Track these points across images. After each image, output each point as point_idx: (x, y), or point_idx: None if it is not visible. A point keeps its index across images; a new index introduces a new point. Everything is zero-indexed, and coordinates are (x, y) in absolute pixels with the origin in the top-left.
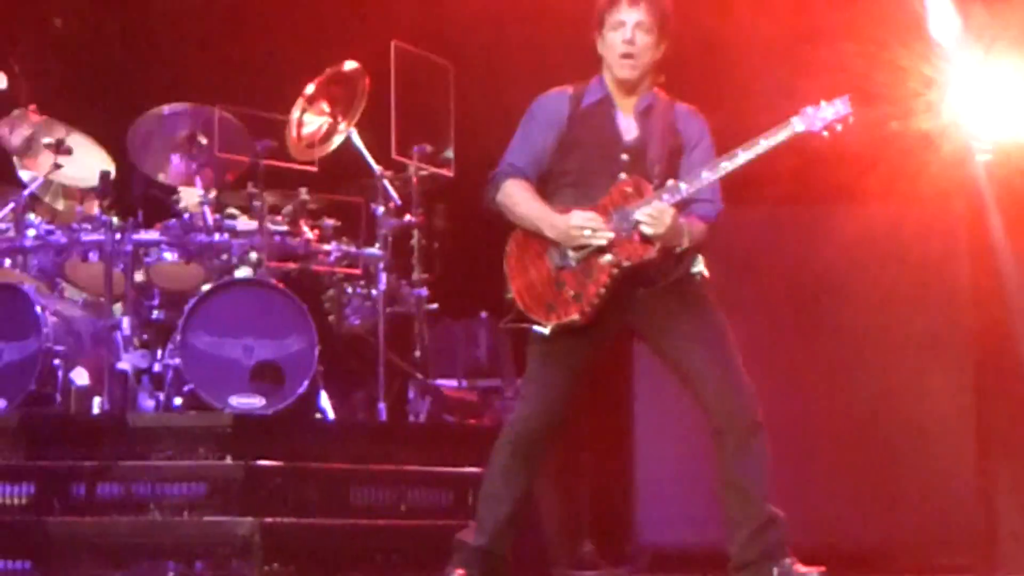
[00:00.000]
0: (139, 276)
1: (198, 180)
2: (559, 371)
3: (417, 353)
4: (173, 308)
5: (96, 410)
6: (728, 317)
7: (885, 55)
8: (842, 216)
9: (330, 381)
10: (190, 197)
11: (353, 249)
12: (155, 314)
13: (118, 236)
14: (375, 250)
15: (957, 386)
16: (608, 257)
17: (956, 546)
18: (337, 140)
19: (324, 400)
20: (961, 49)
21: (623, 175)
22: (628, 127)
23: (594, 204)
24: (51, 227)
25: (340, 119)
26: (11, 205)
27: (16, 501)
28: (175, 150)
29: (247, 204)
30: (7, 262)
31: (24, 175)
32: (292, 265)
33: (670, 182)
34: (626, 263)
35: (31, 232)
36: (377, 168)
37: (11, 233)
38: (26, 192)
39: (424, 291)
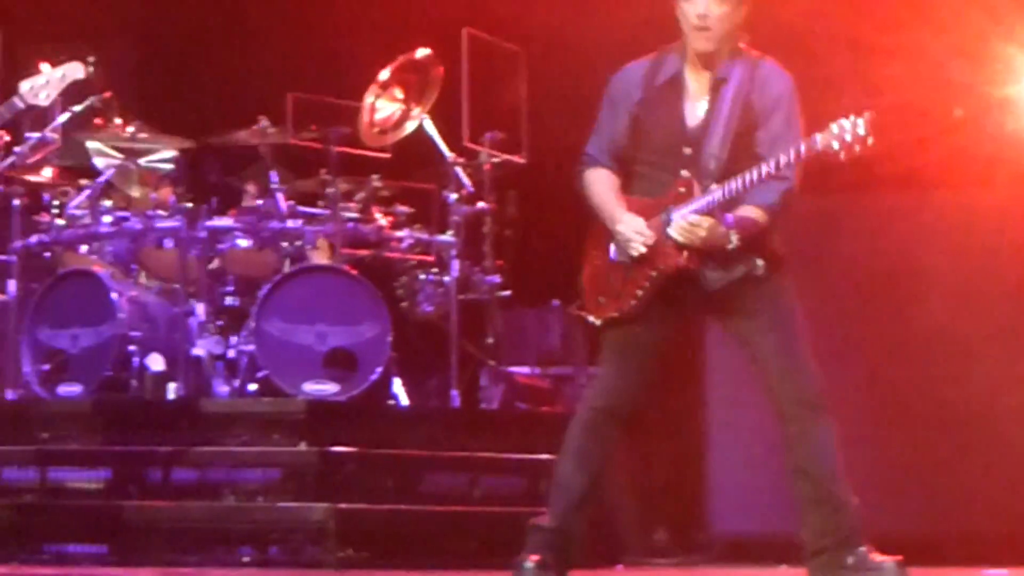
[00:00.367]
0: (213, 263)
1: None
2: (629, 357)
3: (490, 340)
4: (247, 294)
5: (171, 396)
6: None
7: (962, 43)
8: (914, 203)
9: (403, 368)
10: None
11: (425, 236)
12: (229, 300)
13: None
14: (447, 237)
15: None
16: (647, 262)
17: None
18: (410, 127)
19: (397, 387)
20: None
21: (684, 172)
22: (694, 111)
23: (655, 200)
24: (126, 214)
25: (413, 106)
26: (87, 192)
27: (92, 486)
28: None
29: (320, 191)
30: (83, 249)
31: (99, 162)
32: (365, 252)
33: (713, 187)
34: (662, 268)
35: (106, 219)
36: (449, 155)
37: (87, 220)
38: (101, 179)
39: (496, 278)
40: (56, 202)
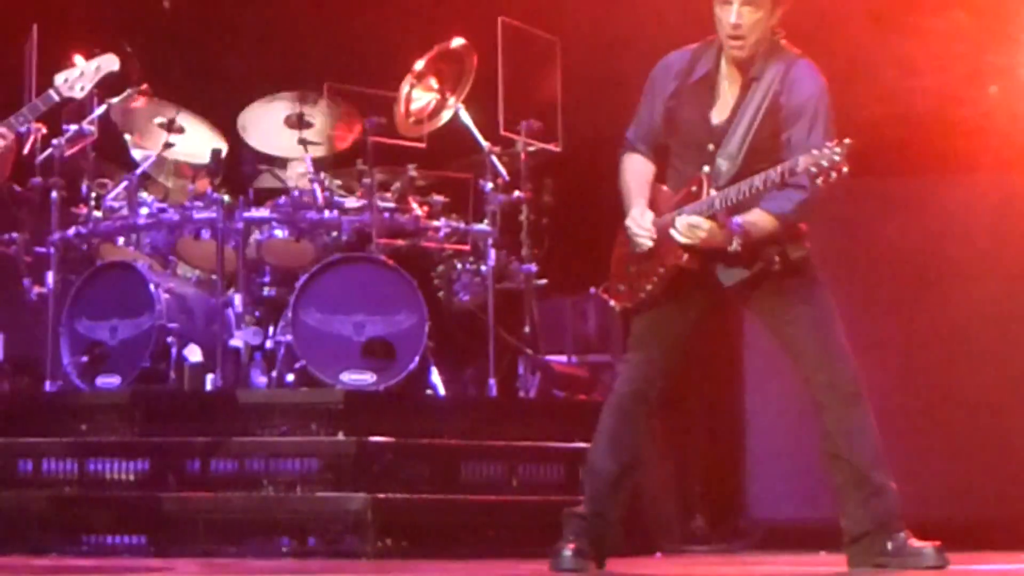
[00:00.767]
0: (250, 253)
1: (308, 158)
2: (654, 342)
3: (527, 329)
4: (284, 285)
5: (209, 387)
6: (834, 290)
7: (998, 25)
8: (952, 187)
9: (440, 357)
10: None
11: (462, 225)
12: (266, 291)
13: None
14: (484, 226)
15: None
16: (655, 257)
17: None
18: (445, 116)
19: (435, 376)
20: None
21: (705, 168)
22: (722, 109)
23: (677, 195)
24: (163, 205)
25: (448, 95)
26: (124, 184)
27: (131, 477)
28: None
29: (356, 181)
30: (120, 240)
31: (136, 154)
32: (401, 242)
33: (713, 192)
34: (667, 266)
35: (144, 210)
36: (485, 144)
37: (124, 211)
38: (138, 171)
39: (533, 267)
40: (94, 194)
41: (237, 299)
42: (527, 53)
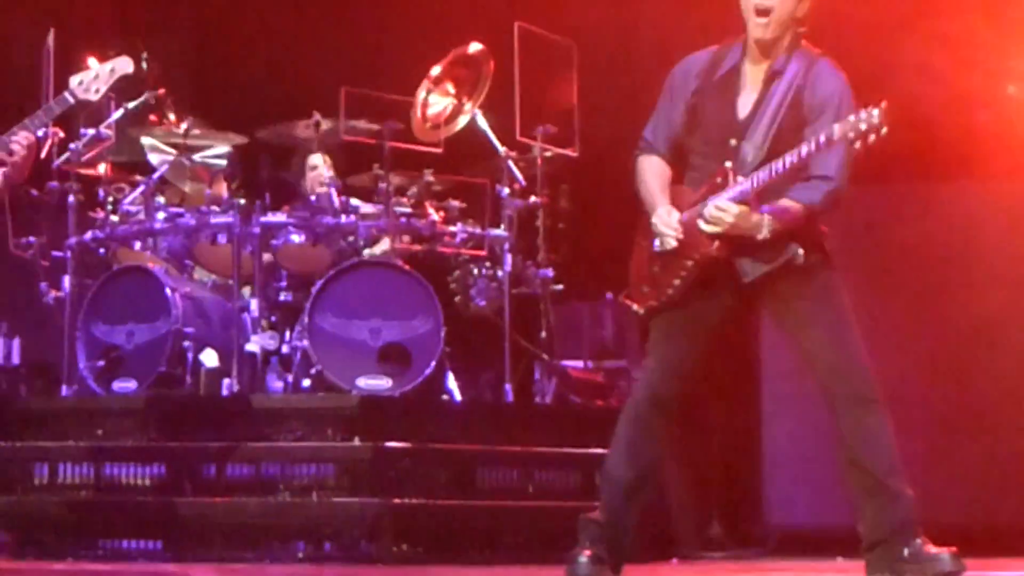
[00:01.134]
0: (267, 258)
1: (326, 159)
2: (672, 346)
3: (543, 334)
4: (301, 290)
5: (225, 392)
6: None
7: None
8: (967, 193)
9: (457, 362)
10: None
11: (478, 230)
12: (283, 296)
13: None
14: (500, 231)
15: None
16: (682, 253)
17: None
18: (462, 121)
19: (451, 381)
20: None
21: (728, 163)
22: (746, 103)
23: (700, 192)
24: (180, 210)
25: (465, 100)
26: (141, 188)
27: (147, 482)
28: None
29: (373, 186)
30: (137, 244)
31: (153, 158)
32: (418, 247)
33: (741, 179)
34: (696, 258)
35: (160, 215)
36: (502, 149)
37: (141, 216)
38: (155, 175)
39: (550, 272)
40: (111, 198)
41: (253, 304)
42: (544, 58)
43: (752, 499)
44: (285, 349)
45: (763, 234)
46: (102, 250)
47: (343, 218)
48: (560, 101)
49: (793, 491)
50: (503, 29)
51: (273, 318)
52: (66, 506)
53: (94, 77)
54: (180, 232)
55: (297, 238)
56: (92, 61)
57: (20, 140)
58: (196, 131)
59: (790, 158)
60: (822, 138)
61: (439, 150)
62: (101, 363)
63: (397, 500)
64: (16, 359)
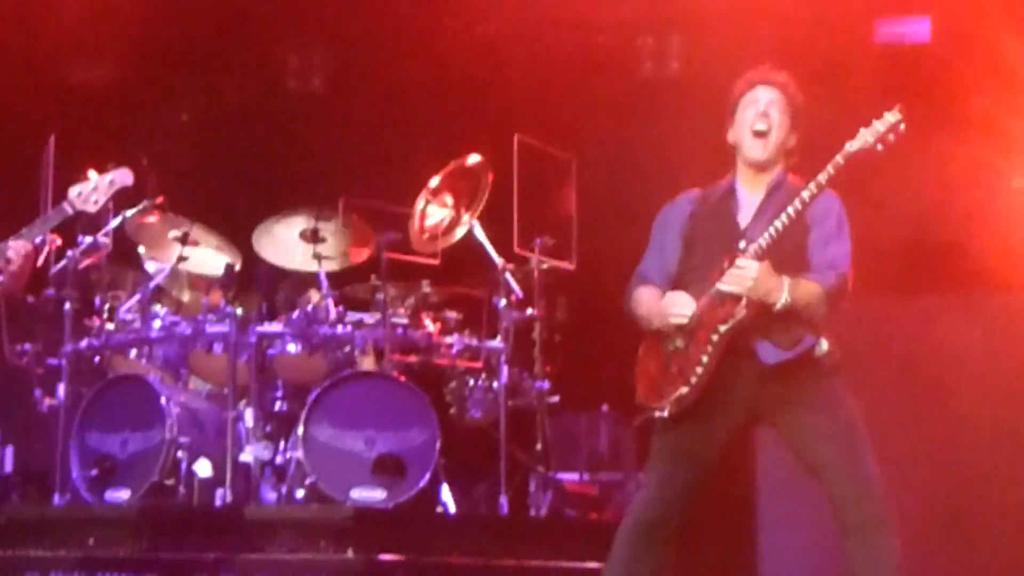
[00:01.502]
0: (262, 367)
1: (322, 273)
2: (680, 462)
3: (539, 446)
4: (296, 400)
5: (218, 502)
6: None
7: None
8: (955, 305)
9: (452, 474)
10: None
11: (475, 342)
12: (278, 406)
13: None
14: (497, 343)
15: None
16: (704, 327)
17: None
18: (460, 232)
19: (446, 493)
20: None
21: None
22: (748, 210)
23: (706, 281)
24: (176, 318)
25: (463, 211)
26: (137, 296)
27: None
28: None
29: (370, 296)
30: (133, 353)
31: (150, 266)
32: (414, 358)
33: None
34: (721, 327)
35: (156, 323)
36: (499, 260)
37: (137, 324)
38: (152, 283)
39: (546, 384)
40: (107, 306)
41: (248, 413)
42: (543, 170)
43: None
44: (279, 459)
45: (783, 299)
46: (97, 358)
47: (339, 328)
48: (558, 214)
49: None
50: (502, 141)
51: (268, 428)
52: None
53: (93, 188)
54: (176, 340)
55: (293, 348)
56: (92, 173)
57: (17, 249)
58: (194, 239)
59: (792, 208)
60: (840, 160)
61: (436, 261)
62: (94, 472)
63: None
64: (8, 467)
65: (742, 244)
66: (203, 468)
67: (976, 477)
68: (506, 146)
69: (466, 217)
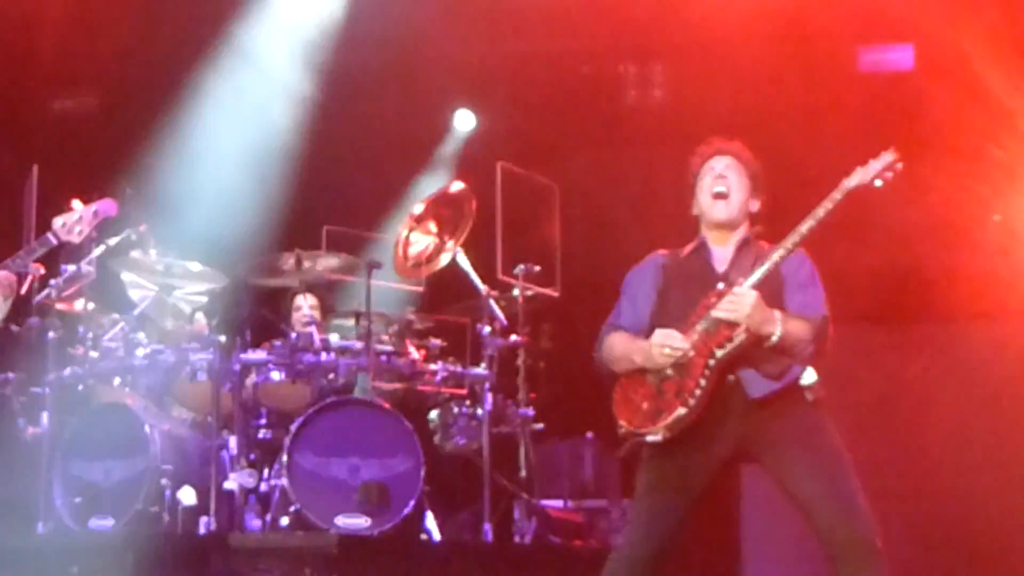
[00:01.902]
0: (246, 395)
1: (312, 299)
2: (665, 497)
3: (523, 473)
4: (280, 427)
5: (202, 530)
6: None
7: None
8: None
9: (436, 501)
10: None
11: (459, 369)
12: (262, 433)
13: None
14: (481, 370)
15: None
16: (699, 354)
17: None
18: (444, 260)
19: (430, 520)
20: None
21: (720, 284)
22: (723, 259)
23: (692, 315)
24: (160, 346)
25: (447, 239)
26: (120, 324)
27: None
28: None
29: (354, 324)
30: (116, 381)
31: (134, 294)
32: (398, 385)
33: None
34: (718, 352)
35: (140, 351)
36: (483, 288)
37: (120, 352)
38: (135, 311)
39: (530, 411)
40: (91, 334)
41: (232, 441)
42: (526, 198)
43: None
44: (264, 487)
45: (776, 332)
46: (81, 386)
47: (323, 356)
48: (542, 241)
49: None
50: (486, 169)
51: (252, 456)
52: None
53: (77, 219)
54: (160, 369)
55: (277, 375)
56: (76, 203)
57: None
58: (177, 268)
59: (791, 242)
60: (837, 195)
61: (420, 289)
62: (78, 500)
63: None
64: None
65: (721, 285)
66: (187, 496)
67: (955, 504)
68: (489, 174)
69: (450, 244)
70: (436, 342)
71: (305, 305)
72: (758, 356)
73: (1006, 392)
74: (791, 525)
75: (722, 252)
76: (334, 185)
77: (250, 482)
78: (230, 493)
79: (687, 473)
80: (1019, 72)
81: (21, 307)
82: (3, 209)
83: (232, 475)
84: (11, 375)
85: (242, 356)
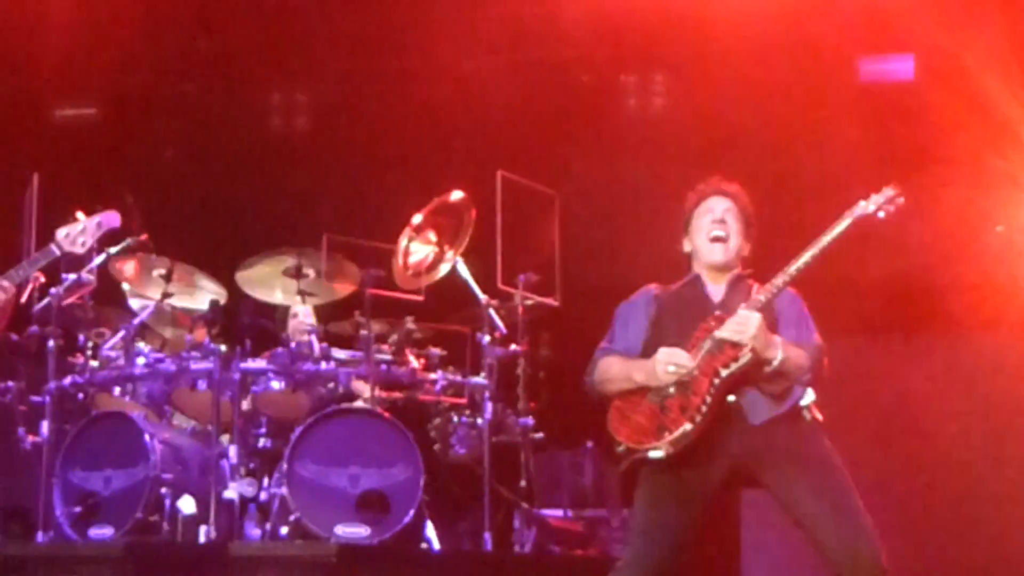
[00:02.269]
0: (246, 404)
1: (308, 308)
2: (665, 511)
3: (523, 482)
4: (280, 436)
5: (202, 539)
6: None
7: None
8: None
9: (435, 510)
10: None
11: (459, 378)
12: (262, 442)
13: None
14: (481, 379)
15: None
16: (704, 372)
17: None
18: (443, 269)
19: (429, 530)
20: None
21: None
22: (717, 293)
23: (691, 339)
24: (160, 355)
25: (447, 248)
26: (121, 333)
27: None
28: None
29: (354, 333)
30: (117, 390)
31: (134, 303)
32: (398, 394)
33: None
34: (723, 371)
35: (140, 360)
36: (483, 297)
37: (121, 361)
38: (136, 320)
39: (530, 420)
40: (91, 343)
41: (232, 450)
42: (526, 207)
43: None
44: (263, 496)
45: (777, 357)
46: (81, 395)
47: (323, 365)
48: (542, 250)
49: None
50: (486, 177)
51: (252, 465)
52: None
53: (81, 230)
54: (160, 378)
55: (277, 385)
56: (80, 215)
57: (1, 289)
58: (177, 276)
59: (795, 267)
60: (842, 227)
61: (420, 298)
62: (78, 509)
63: None
64: None
65: (717, 313)
66: (187, 505)
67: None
68: (489, 182)
69: (450, 254)
70: (436, 351)
71: (302, 313)
72: (759, 379)
73: (1009, 400)
74: (790, 536)
75: (715, 287)
76: (335, 193)
77: (250, 491)
78: (230, 502)
79: (687, 489)
80: (1020, 82)
81: (21, 316)
82: (4, 217)
83: (232, 484)
84: (11, 384)
85: (242, 365)
